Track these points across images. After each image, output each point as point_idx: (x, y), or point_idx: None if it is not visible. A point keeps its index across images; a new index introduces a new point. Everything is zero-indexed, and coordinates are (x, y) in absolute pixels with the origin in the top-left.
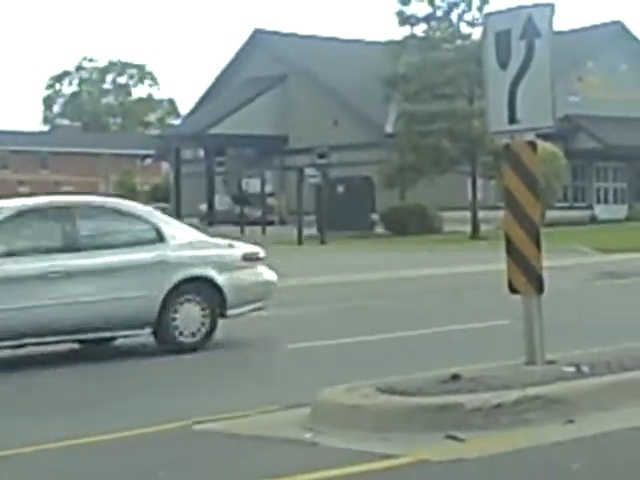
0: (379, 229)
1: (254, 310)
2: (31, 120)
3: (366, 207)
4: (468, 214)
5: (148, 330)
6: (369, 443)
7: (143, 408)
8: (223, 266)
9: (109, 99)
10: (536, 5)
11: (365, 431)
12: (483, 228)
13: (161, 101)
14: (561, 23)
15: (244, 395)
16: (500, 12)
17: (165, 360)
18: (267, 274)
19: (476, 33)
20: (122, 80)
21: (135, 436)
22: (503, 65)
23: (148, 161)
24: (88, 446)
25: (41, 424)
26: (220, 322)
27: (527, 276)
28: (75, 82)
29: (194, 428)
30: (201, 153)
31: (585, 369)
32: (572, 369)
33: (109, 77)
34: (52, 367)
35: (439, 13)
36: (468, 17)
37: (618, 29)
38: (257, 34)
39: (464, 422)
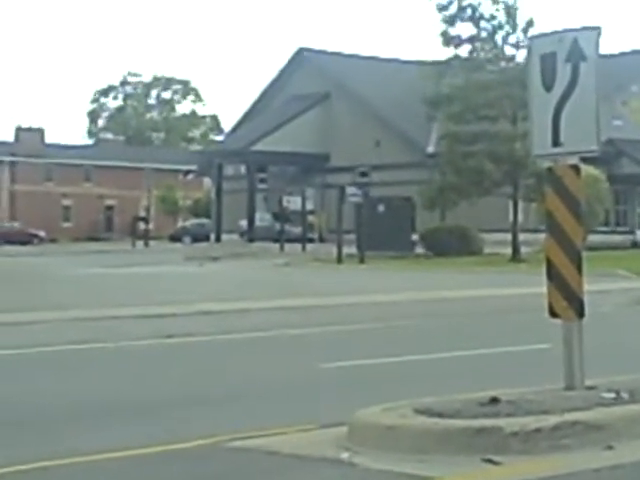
0: (419, 249)
1: None
2: (76, 133)
3: (406, 227)
4: (509, 236)
5: None
6: (406, 464)
7: (179, 422)
8: None
9: (153, 114)
10: (582, 28)
11: (402, 452)
12: (523, 250)
13: (204, 117)
14: (606, 46)
15: (281, 413)
16: (545, 35)
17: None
18: None
19: (520, 55)
20: (166, 95)
21: (171, 451)
22: (548, 88)
23: (190, 176)
24: (124, 460)
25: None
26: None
27: (568, 300)
28: (120, 96)
29: (232, 444)
30: (243, 169)
31: (625, 395)
32: (612, 395)
33: (153, 92)
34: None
35: (483, 34)
36: (512, 39)
37: None
38: (301, 52)
39: (502, 446)
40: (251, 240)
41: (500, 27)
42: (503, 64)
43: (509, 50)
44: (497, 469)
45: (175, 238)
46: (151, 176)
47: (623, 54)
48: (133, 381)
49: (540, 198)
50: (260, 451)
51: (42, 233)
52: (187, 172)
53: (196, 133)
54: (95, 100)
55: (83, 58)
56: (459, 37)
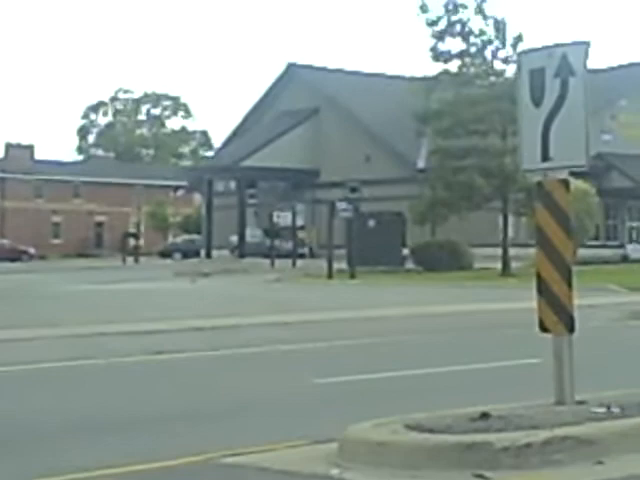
0: (409, 264)
1: None
2: (66, 150)
3: (397, 242)
4: (499, 251)
5: None
6: None
7: (169, 439)
8: None
9: (143, 130)
10: (571, 43)
11: (392, 468)
12: (514, 265)
13: (194, 133)
14: (595, 61)
15: (271, 429)
16: (534, 50)
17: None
18: None
19: (509, 70)
20: (156, 111)
21: (162, 468)
22: (537, 103)
23: (180, 192)
24: (114, 477)
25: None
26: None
27: (558, 315)
28: (110, 113)
29: (223, 461)
30: (233, 185)
31: (615, 410)
32: (602, 410)
33: (143, 108)
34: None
35: (473, 49)
36: (502, 54)
37: None
38: (291, 68)
39: (493, 461)
40: (242, 256)
41: (489, 42)
42: (492, 79)
43: (498, 65)
44: None
45: (165, 254)
46: (141, 192)
47: (612, 69)
48: (123, 398)
49: (530, 212)
50: (251, 467)
51: (32, 250)
52: (177, 188)
53: (186, 149)
54: (85, 116)
55: (73, 74)
56: (449, 52)
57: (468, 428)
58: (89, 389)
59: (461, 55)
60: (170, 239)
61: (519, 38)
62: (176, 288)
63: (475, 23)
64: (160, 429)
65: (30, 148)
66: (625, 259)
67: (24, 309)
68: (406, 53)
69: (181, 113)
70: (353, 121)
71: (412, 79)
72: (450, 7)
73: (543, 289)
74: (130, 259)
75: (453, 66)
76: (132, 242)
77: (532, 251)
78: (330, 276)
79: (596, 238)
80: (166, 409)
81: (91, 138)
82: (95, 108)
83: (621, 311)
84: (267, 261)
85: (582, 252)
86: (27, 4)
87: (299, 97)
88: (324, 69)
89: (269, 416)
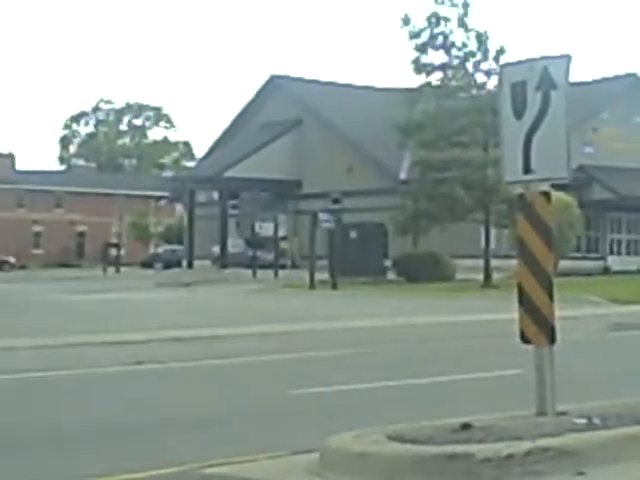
0: (391, 275)
1: None
2: (47, 160)
3: (379, 253)
4: (481, 262)
5: None
6: None
7: (149, 449)
8: None
9: (125, 140)
10: (552, 57)
11: (374, 478)
12: (495, 276)
13: (176, 143)
14: (576, 74)
15: (252, 439)
16: (516, 63)
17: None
18: None
19: (491, 82)
20: (138, 122)
21: (142, 479)
22: (519, 115)
23: (162, 202)
24: None
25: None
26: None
27: (539, 326)
28: (92, 123)
29: (204, 472)
30: (215, 196)
31: (597, 421)
32: (583, 421)
33: (125, 118)
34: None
35: (455, 62)
36: (484, 66)
37: (633, 81)
38: (274, 79)
39: (474, 472)
40: (223, 266)
41: (472, 55)
42: (474, 91)
43: (480, 77)
44: None
45: (147, 264)
46: (123, 202)
47: (594, 81)
48: (102, 408)
49: (512, 224)
50: (231, 478)
51: (12, 259)
52: (159, 198)
53: (168, 159)
54: (67, 126)
55: (55, 84)
56: (431, 64)
57: (450, 439)
58: (66, 399)
59: (443, 67)
60: (152, 249)
61: (501, 51)
62: (157, 298)
63: (457, 36)
64: (137, 439)
65: (11, 157)
66: (606, 271)
67: (3, 319)
68: (389, 65)
69: (163, 124)
70: (336, 132)
71: (394, 91)
72: (432, 20)
73: (524, 300)
74: (111, 269)
75: (435, 78)
76: (113, 252)
77: (514, 262)
78: (312, 287)
79: (577, 250)
80: (144, 420)
81: (73, 148)
82: (77, 118)
83: (602, 323)
84: (249, 271)
85: (563, 264)
86: (9, 14)
87: (282, 108)
88: (307, 80)
89: (248, 427)
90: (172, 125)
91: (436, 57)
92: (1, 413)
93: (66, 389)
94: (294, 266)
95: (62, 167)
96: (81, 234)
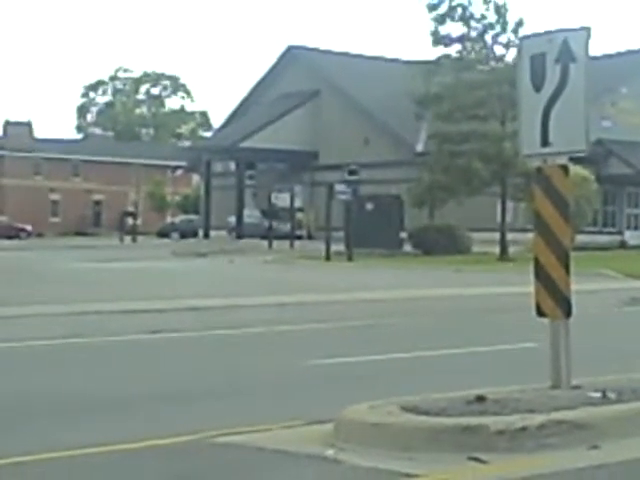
0: (407, 248)
1: None
2: (65, 128)
3: (395, 225)
4: (497, 235)
5: None
6: (391, 462)
7: (163, 418)
8: None
9: (142, 110)
10: (572, 29)
11: (387, 449)
12: (511, 250)
13: (193, 113)
14: (596, 48)
15: (267, 409)
16: (535, 35)
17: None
18: None
19: (510, 55)
20: (155, 91)
21: (155, 446)
22: (537, 88)
23: (179, 172)
24: (102, 455)
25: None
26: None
27: (555, 300)
28: (109, 92)
29: (216, 440)
30: (232, 166)
31: (611, 395)
32: (598, 395)
33: (143, 88)
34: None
35: (473, 34)
36: (503, 39)
37: None
38: (291, 50)
39: (488, 444)
40: (239, 237)
41: (490, 27)
42: (493, 64)
43: (499, 50)
44: (483, 467)
45: (163, 234)
46: (139, 171)
47: (613, 55)
48: (118, 376)
49: (528, 198)
50: (245, 447)
51: (29, 227)
52: (176, 168)
53: (185, 129)
54: (84, 95)
55: (73, 53)
56: (449, 36)
57: (464, 411)
58: (83, 367)
59: (462, 39)
60: (168, 219)
61: (520, 23)
62: (173, 268)
63: (476, 7)
64: (153, 408)
65: (29, 126)
66: (623, 245)
67: (20, 287)
68: (407, 37)
69: (180, 93)
70: (353, 104)
71: (412, 62)
72: None
73: (541, 274)
74: (128, 238)
75: (453, 50)
76: (130, 221)
77: (530, 236)
78: (328, 258)
79: (594, 224)
80: (159, 389)
81: (90, 117)
82: (94, 87)
83: (618, 297)
84: (265, 242)
85: (580, 238)
86: None
87: (299, 79)
88: (324, 52)
89: (264, 397)
90: (189, 95)
91: (454, 29)
92: (19, 380)
93: (82, 357)
94: (310, 237)
95: (79, 136)
96: (98, 203)
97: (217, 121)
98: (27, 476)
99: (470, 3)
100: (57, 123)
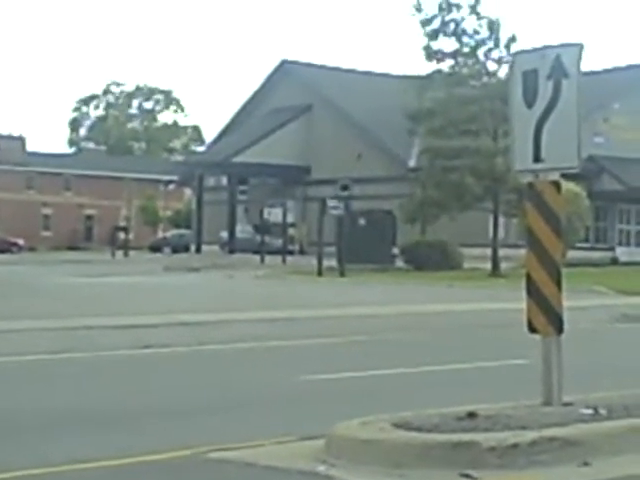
0: (399, 263)
1: None
2: (57, 142)
3: (387, 240)
4: (489, 251)
5: None
6: (382, 478)
7: (155, 433)
8: None
9: (135, 124)
10: (564, 45)
11: (379, 466)
12: (503, 266)
13: (186, 128)
14: (588, 63)
15: (258, 425)
16: (528, 51)
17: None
18: None
19: (502, 71)
20: (148, 105)
21: (147, 462)
22: (529, 104)
23: (171, 187)
24: (93, 471)
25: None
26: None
27: (547, 316)
28: (102, 106)
29: (209, 456)
30: (224, 181)
31: (602, 412)
32: (589, 411)
33: (135, 102)
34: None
35: (466, 49)
36: (495, 54)
37: None
38: (284, 64)
39: (479, 461)
40: (231, 251)
41: (483, 42)
42: (485, 79)
43: (491, 65)
44: None
45: (155, 248)
46: (132, 186)
47: (605, 71)
48: (109, 391)
49: (520, 213)
50: (237, 463)
51: (21, 241)
52: (168, 182)
53: (177, 143)
54: (77, 109)
55: (65, 67)
56: (442, 51)
57: (455, 427)
58: (73, 382)
59: (454, 55)
60: (160, 233)
61: (513, 39)
62: (165, 282)
63: (469, 23)
64: (145, 424)
65: (21, 140)
66: (614, 262)
67: (11, 301)
68: (399, 52)
69: (173, 107)
70: (345, 119)
71: (404, 77)
72: (444, 6)
73: (532, 290)
74: (119, 253)
75: (446, 65)
76: (122, 236)
77: (522, 252)
78: (320, 273)
79: (586, 240)
80: (151, 404)
81: (83, 131)
82: (87, 101)
83: (610, 313)
84: (257, 257)
85: (571, 254)
86: None
87: (292, 94)
88: (317, 66)
89: (256, 412)
90: (182, 109)
91: (447, 44)
92: (8, 395)
93: (73, 372)
94: (302, 252)
95: (72, 150)
96: (90, 217)
97: (209, 135)
98: None
99: (463, 19)
100: (49, 137)
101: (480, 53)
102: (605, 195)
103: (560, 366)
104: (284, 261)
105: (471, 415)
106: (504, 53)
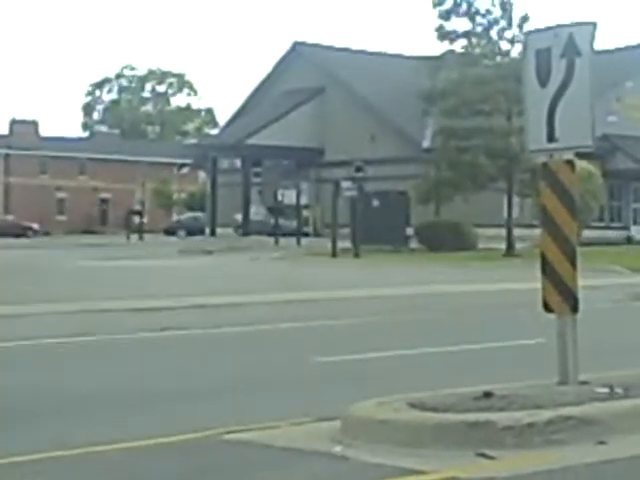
0: (413, 244)
1: None
2: (71, 126)
3: (401, 221)
4: (503, 231)
5: None
6: (399, 458)
7: (171, 415)
8: None
9: (148, 107)
10: (577, 24)
11: (395, 446)
12: (518, 245)
13: (199, 110)
14: (601, 42)
15: (275, 406)
16: (541, 30)
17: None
18: None
19: (515, 50)
20: (161, 89)
21: (164, 444)
22: (543, 83)
23: (185, 170)
24: (112, 453)
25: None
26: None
27: (562, 295)
28: (115, 89)
29: (225, 437)
30: (238, 163)
31: (619, 390)
32: (605, 390)
33: (148, 85)
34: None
35: (479, 29)
36: (508, 34)
37: None
38: (297, 46)
39: (495, 440)
40: (246, 234)
41: (495, 22)
42: (498, 59)
43: (504, 45)
44: (490, 463)
45: (169, 232)
46: (146, 169)
47: (618, 50)
48: (126, 374)
49: (535, 193)
50: (253, 444)
51: (36, 226)
52: (182, 165)
53: (191, 126)
54: (90, 93)
55: (78, 51)
56: (454, 32)
57: (471, 407)
58: (91, 366)
59: (467, 35)
60: (174, 216)
61: (525, 18)
62: (180, 265)
63: (481, 3)
64: (161, 406)
65: (35, 124)
66: (629, 241)
67: (28, 285)
68: (412, 32)
69: (186, 91)
70: (358, 100)
71: (417, 58)
72: None
73: (547, 270)
74: (134, 236)
75: (459, 46)
76: (136, 219)
77: (536, 232)
78: (334, 255)
79: (600, 219)
80: (168, 386)
81: (96, 115)
82: (100, 85)
83: (624, 292)
84: (271, 239)
85: (586, 233)
86: None
87: (305, 76)
88: (330, 48)
89: (272, 394)
90: (195, 92)
91: (460, 24)
92: (27, 379)
93: (91, 355)
94: (316, 234)
95: (85, 134)
96: (104, 201)
97: (223, 118)
98: (39, 474)
99: None
100: (63, 121)
101: (493, 33)
102: (619, 174)
103: (575, 345)
104: (299, 243)
105: (487, 395)
106: (517, 32)
